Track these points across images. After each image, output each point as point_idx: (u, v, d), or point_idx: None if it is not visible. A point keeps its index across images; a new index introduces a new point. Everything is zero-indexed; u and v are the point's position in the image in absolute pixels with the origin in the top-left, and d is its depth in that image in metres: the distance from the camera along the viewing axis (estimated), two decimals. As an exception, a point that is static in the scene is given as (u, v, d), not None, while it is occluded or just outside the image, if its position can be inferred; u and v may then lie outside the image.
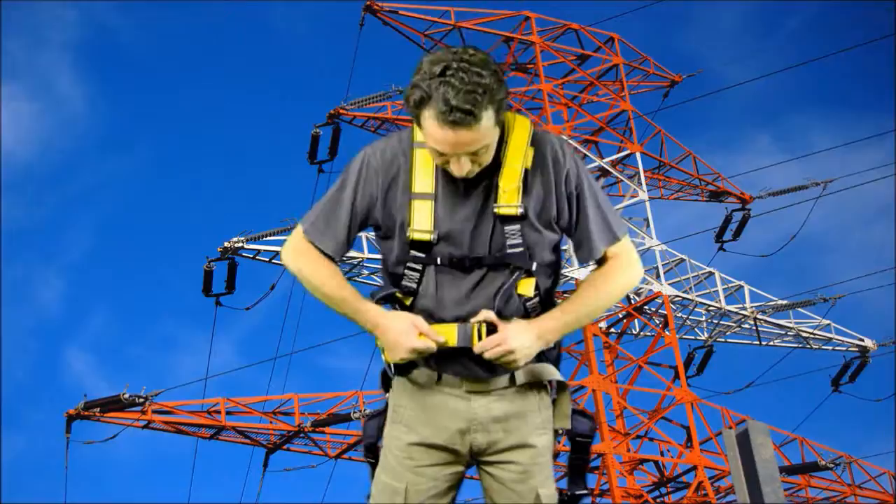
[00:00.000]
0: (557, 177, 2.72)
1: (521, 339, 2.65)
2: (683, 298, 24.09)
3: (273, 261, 21.91)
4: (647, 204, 24.23)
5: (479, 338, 2.67)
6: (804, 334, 25.31)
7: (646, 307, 23.22)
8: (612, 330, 23.67)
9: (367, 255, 22.18)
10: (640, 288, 22.51)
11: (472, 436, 2.79)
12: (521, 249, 2.69)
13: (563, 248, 2.96)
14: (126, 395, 20.01)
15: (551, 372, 2.84)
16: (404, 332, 2.66)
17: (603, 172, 24.34)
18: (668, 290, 23.29)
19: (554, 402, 2.88)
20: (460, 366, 2.75)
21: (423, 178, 2.71)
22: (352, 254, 21.62)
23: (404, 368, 2.81)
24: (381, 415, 2.91)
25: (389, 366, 2.83)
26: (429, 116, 2.51)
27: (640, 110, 25.67)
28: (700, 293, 24.47)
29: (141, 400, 20.10)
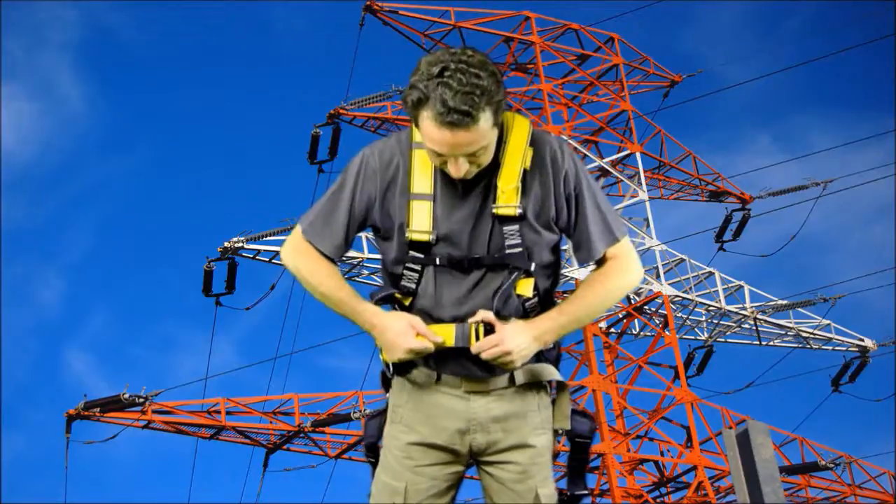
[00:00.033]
0: (556, 177, 2.72)
1: (518, 339, 2.65)
2: (683, 298, 24.09)
3: (273, 261, 21.92)
4: (647, 204, 24.23)
5: (477, 338, 2.67)
6: (804, 334, 25.32)
7: (646, 307, 23.22)
8: (612, 330, 23.67)
9: (367, 255, 22.18)
10: (640, 288, 22.50)
11: (472, 436, 2.79)
12: (519, 250, 2.69)
13: (563, 248, 2.95)
14: (126, 395, 20.01)
15: (551, 372, 2.84)
16: (402, 333, 2.66)
17: (603, 172, 24.34)
18: (668, 290, 23.29)
19: (553, 402, 2.88)
20: (459, 366, 2.76)
21: (422, 179, 2.71)
22: (352, 254, 21.64)
23: (403, 368, 2.81)
24: (381, 414, 2.91)
25: (388, 366, 2.83)
26: (426, 117, 2.51)
27: (640, 110, 25.71)
28: (700, 293, 24.48)
29: (141, 400, 20.10)
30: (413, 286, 2.74)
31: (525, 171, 2.69)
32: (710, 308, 24.59)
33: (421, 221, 2.70)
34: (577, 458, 2.91)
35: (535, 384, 2.83)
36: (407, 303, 2.76)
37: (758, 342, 25.53)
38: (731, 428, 9.81)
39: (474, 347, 2.67)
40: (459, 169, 2.59)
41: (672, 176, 26.12)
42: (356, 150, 2.84)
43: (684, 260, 24.51)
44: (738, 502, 8.65)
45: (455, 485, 2.86)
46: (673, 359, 22.25)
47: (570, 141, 23.81)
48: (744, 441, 8.65)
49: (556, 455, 2.93)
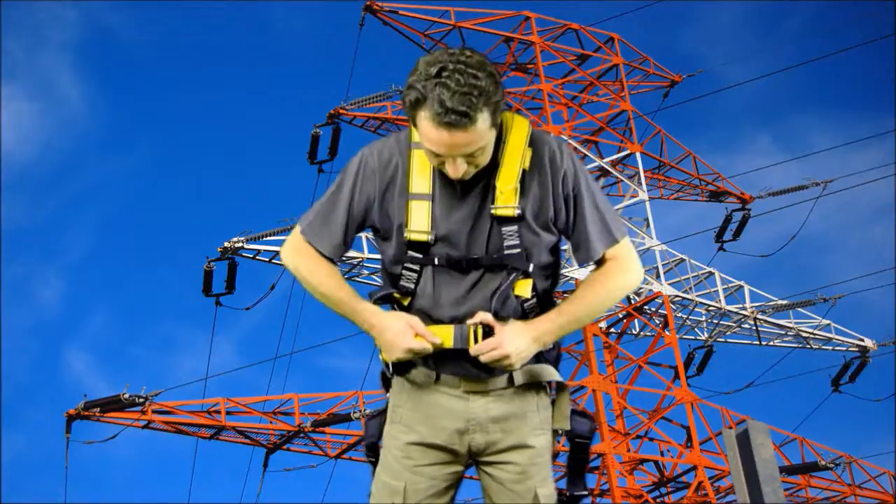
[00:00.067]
0: (554, 178, 2.71)
1: (516, 342, 2.65)
2: (683, 298, 24.08)
3: (273, 261, 21.91)
4: (647, 204, 24.23)
5: (476, 340, 2.67)
6: (804, 334, 25.31)
7: (646, 307, 23.21)
8: (612, 330, 23.66)
9: (366, 255, 22.18)
10: (640, 288, 22.49)
11: (471, 436, 2.79)
12: (518, 251, 2.69)
13: (563, 248, 2.95)
14: (126, 395, 20.01)
15: (550, 373, 2.83)
16: (400, 333, 2.66)
17: (603, 172, 24.34)
18: (668, 290, 23.28)
19: (553, 402, 2.88)
20: (458, 366, 2.76)
21: (421, 179, 2.71)
22: (352, 254, 21.63)
23: (403, 368, 2.82)
24: (381, 414, 2.91)
25: (388, 365, 2.83)
26: (424, 117, 2.51)
27: (640, 110, 25.70)
28: (700, 293, 24.48)
29: (141, 400, 20.10)
30: (412, 286, 2.74)
31: (524, 171, 2.68)
32: (710, 308, 24.59)
33: (419, 221, 2.70)
34: (576, 458, 2.90)
35: (534, 385, 2.83)
36: (406, 303, 2.76)
37: (758, 342, 25.54)
38: (731, 428, 9.81)
39: (473, 350, 2.67)
40: (457, 169, 2.59)
41: (672, 176, 26.13)
42: (356, 150, 2.84)
43: (684, 260, 24.51)
44: (738, 502, 8.65)
45: (454, 485, 2.86)
46: (673, 359, 22.25)
47: (570, 141, 23.81)
48: (744, 441, 8.65)
49: (555, 455, 2.93)
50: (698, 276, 24.56)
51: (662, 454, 21.95)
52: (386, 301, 2.79)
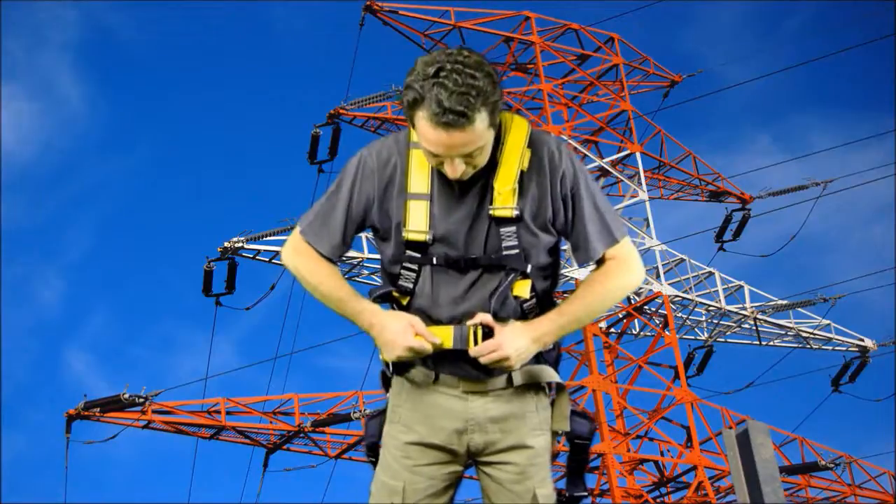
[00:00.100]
0: (553, 178, 2.71)
1: (517, 343, 2.65)
2: (683, 298, 24.08)
3: (273, 261, 21.91)
4: (647, 204, 24.23)
5: (476, 341, 2.67)
6: (804, 334, 25.31)
7: (646, 307, 23.21)
8: (612, 330, 23.66)
9: (367, 255, 22.18)
10: (641, 288, 22.50)
11: (469, 436, 2.79)
12: (516, 251, 2.69)
13: (563, 248, 2.95)
14: (126, 395, 20.01)
15: (549, 374, 2.83)
16: (400, 332, 2.66)
17: (603, 172, 24.33)
18: (668, 290, 23.29)
19: (553, 403, 2.88)
20: (457, 366, 2.76)
21: (419, 179, 2.71)
22: (352, 254, 21.64)
23: (402, 368, 2.82)
24: (382, 414, 2.92)
25: (388, 365, 2.84)
26: (422, 118, 2.51)
27: (640, 110, 25.69)
28: (700, 293, 24.47)
29: (141, 400, 20.10)
30: (410, 285, 2.74)
31: (522, 172, 2.68)
32: (710, 308, 24.59)
33: (417, 221, 2.70)
34: (576, 459, 2.90)
35: (533, 385, 2.83)
36: (404, 302, 2.76)
37: (758, 342, 25.54)
38: (731, 428, 9.81)
39: (473, 352, 2.67)
40: (456, 170, 2.59)
41: (672, 176, 26.12)
42: (356, 150, 2.84)
43: (684, 260, 24.51)
44: (738, 502, 8.65)
45: (453, 484, 2.86)
46: (673, 359, 22.25)
47: (570, 141, 23.82)
48: (744, 441, 8.65)
49: (555, 455, 2.92)
50: (698, 276, 24.57)
51: (662, 454, 21.96)
52: (385, 300, 2.79)
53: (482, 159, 2.62)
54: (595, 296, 2.77)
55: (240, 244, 21.64)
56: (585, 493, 2.94)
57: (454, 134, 2.49)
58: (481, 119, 2.49)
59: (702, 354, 24.65)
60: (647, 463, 21.87)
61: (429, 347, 2.67)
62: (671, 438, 21.61)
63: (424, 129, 2.52)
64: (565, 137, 23.47)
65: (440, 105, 2.45)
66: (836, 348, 25.70)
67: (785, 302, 25.02)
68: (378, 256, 2.90)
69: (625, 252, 2.80)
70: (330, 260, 2.79)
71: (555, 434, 2.87)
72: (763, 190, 25.65)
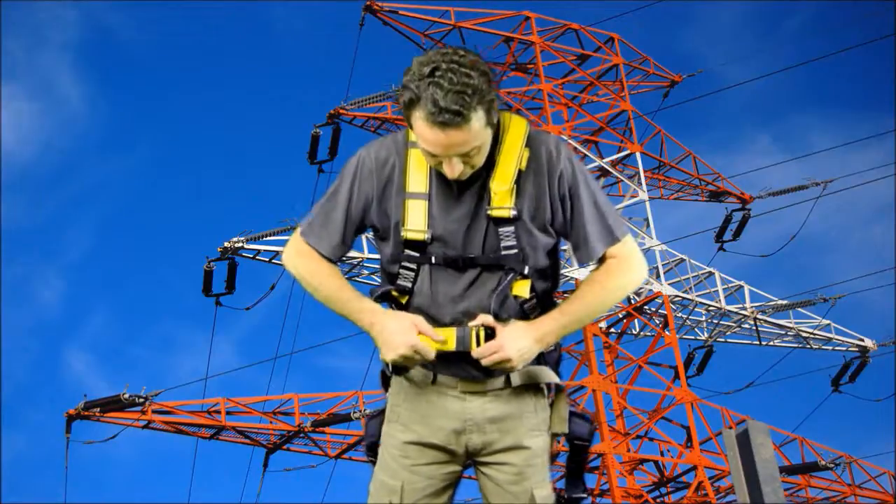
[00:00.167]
0: (551, 178, 2.71)
1: (518, 344, 2.65)
2: (683, 298, 24.09)
3: (273, 261, 21.91)
4: (647, 204, 24.23)
5: (478, 342, 2.66)
6: (804, 334, 25.31)
7: (646, 307, 23.22)
8: (612, 330, 23.67)
9: (367, 255, 22.19)
10: (641, 288, 22.49)
11: (468, 436, 2.79)
12: (514, 251, 2.69)
13: (563, 248, 2.94)
14: (126, 395, 20.01)
15: (548, 375, 2.83)
16: (401, 331, 2.66)
17: (603, 172, 24.33)
18: (668, 290, 23.29)
19: (552, 405, 2.87)
20: (456, 366, 2.76)
21: (418, 178, 2.71)
22: (352, 254, 21.63)
23: (401, 368, 2.81)
24: (381, 414, 2.92)
25: (388, 365, 2.84)
26: (419, 117, 2.51)
27: (640, 110, 25.70)
28: (700, 293, 24.48)
29: (141, 400, 20.10)
30: (409, 284, 2.74)
31: (520, 172, 2.68)
32: (710, 308, 24.59)
33: (416, 220, 2.70)
34: (575, 460, 2.90)
35: (532, 385, 2.82)
36: (403, 301, 2.76)
37: (758, 342, 25.54)
38: (731, 428, 9.81)
39: (475, 353, 2.66)
40: (454, 169, 2.59)
41: (672, 176, 26.13)
42: (356, 150, 2.84)
43: (684, 260, 24.51)
44: (738, 502, 8.65)
45: (452, 484, 2.86)
46: (673, 359, 22.25)
47: (570, 141, 23.81)
48: (744, 441, 8.65)
49: (555, 455, 2.92)
50: (698, 276, 24.57)
51: (662, 454, 21.96)
52: (384, 299, 2.79)
53: (480, 159, 2.62)
54: (596, 295, 2.77)
55: (240, 244, 21.64)
56: (585, 495, 2.94)
57: (451, 133, 2.49)
58: (477, 118, 2.50)
59: (702, 354, 24.66)
60: (647, 463, 21.88)
61: (431, 354, 2.66)
62: (671, 438, 21.63)
63: (421, 129, 2.52)
64: (565, 137, 23.47)
65: (436, 104, 2.45)
66: (836, 348, 25.70)
67: (785, 302, 25.02)
68: (378, 256, 2.90)
69: (626, 251, 2.79)
70: (331, 261, 2.80)
71: (554, 435, 2.87)
72: (763, 190, 25.69)
